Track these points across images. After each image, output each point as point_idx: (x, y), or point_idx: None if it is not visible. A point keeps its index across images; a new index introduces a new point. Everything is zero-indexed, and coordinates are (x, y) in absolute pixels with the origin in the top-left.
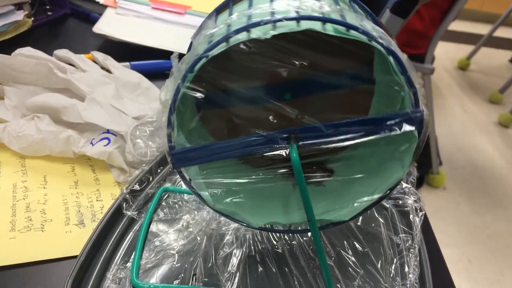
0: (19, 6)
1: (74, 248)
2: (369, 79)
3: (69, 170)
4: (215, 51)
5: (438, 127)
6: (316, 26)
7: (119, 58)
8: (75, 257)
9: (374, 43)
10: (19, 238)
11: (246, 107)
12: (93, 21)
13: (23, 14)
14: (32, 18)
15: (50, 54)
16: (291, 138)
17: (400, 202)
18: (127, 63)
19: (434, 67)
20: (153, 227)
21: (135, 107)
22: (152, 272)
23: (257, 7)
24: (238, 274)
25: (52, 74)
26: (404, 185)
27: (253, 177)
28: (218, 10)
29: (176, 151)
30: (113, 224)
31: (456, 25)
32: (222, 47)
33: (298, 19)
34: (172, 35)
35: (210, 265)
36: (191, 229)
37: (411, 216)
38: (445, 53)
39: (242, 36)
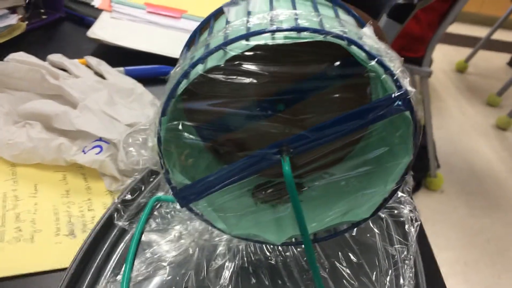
0: (13, 10)
1: (64, 260)
2: (354, 72)
3: (61, 178)
4: (181, 87)
5: (436, 130)
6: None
7: (113, 62)
8: (65, 269)
9: (329, 38)
10: (8, 250)
11: (241, 128)
12: (88, 25)
13: (17, 18)
14: (26, 22)
15: (44, 58)
16: (282, 151)
17: (396, 212)
18: (121, 68)
19: (432, 70)
20: (145, 238)
21: (128, 113)
22: (143, 285)
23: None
24: (230, 287)
25: (44, 81)
26: (400, 194)
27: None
28: (201, 28)
29: (178, 190)
30: (104, 235)
31: (454, 28)
32: (184, 84)
33: (275, 31)
34: (168, 40)
35: (202, 277)
36: (183, 240)
37: (406, 226)
38: (443, 56)
39: (200, 68)
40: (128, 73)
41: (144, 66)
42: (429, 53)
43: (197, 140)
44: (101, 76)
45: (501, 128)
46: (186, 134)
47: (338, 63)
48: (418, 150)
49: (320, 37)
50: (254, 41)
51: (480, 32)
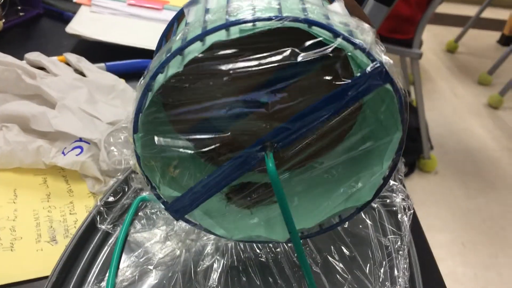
0: None
1: (45, 268)
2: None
3: (41, 182)
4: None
5: (428, 111)
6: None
7: (94, 58)
8: (47, 277)
9: (287, 24)
10: None
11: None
12: (67, 20)
13: None
14: (3, 20)
15: (23, 56)
16: (266, 147)
17: (388, 201)
18: (102, 64)
19: (422, 52)
20: (130, 240)
21: (109, 111)
22: None
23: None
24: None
25: (20, 81)
26: (392, 182)
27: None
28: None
29: (169, 204)
30: (86, 239)
31: (444, 8)
32: (150, 96)
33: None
34: (150, 32)
35: (189, 280)
36: (169, 242)
37: (399, 215)
38: (433, 36)
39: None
40: (110, 69)
41: (126, 61)
42: (419, 34)
43: (177, 151)
44: (81, 73)
45: (493, 107)
46: (165, 145)
47: (307, 44)
48: (410, 132)
49: (277, 24)
50: (209, 41)
51: (469, 10)
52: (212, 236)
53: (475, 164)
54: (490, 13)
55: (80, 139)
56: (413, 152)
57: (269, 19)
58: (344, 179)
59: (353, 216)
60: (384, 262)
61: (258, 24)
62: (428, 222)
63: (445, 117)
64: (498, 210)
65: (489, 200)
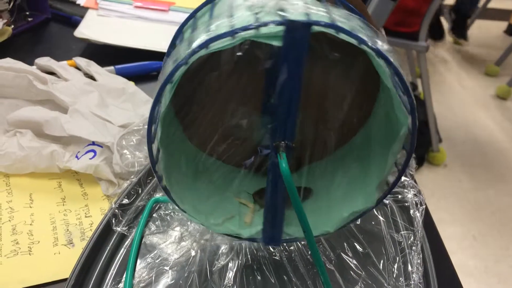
0: None
1: (63, 271)
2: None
3: (56, 186)
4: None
5: (436, 104)
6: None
7: (103, 61)
8: (65, 280)
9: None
10: (6, 264)
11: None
12: (75, 24)
13: (2, 23)
14: (12, 26)
15: (33, 62)
16: (279, 147)
17: (400, 196)
18: (112, 67)
19: (428, 45)
20: (146, 242)
21: (120, 114)
22: None
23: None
24: (235, 287)
25: (32, 86)
26: (403, 178)
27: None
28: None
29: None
30: (103, 242)
31: None
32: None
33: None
34: (157, 34)
35: (205, 279)
36: (184, 242)
37: (411, 211)
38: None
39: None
40: (119, 72)
41: (135, 64)
42: (425, 27)
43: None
44: (91, 77)
45: (501, 97)
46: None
47: None
48: (419, 125)
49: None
50: (214, 47)
51: None
52: (226, 236)
53: (484, 156)
54: (497, 3)
55: (93, 143)
56: (422, 145)
57: (245, 28)
58: (361, 178)
59: (366, 212)
60: (397, 258)
61: (245, 33)
62: (438, 215)
63: (453, 110)
64: (508, 202)
65: (499, 191)
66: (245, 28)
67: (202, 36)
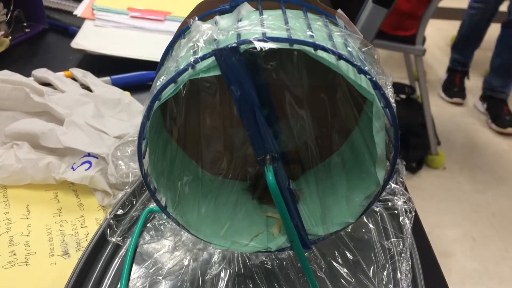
0: None
1: (59, 281)
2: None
3: (52, 197)
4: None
5: (434, 107)
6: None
7: (100, 71)
8: None
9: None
10: (3, 275)
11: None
12: (72, 34)
13: (0, 34)
14: (10, 37)
15: (30, 72)
16: (266, 160)
17: (390, 204)
18: (108, 78)
19: (425, 48)
20: (140, 251)
21: (116, 125)
22: None
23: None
24: None
25: (29, 99)
26: (393, 185)
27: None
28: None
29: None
30: (97, 252)
31: (447, 2)
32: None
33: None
34: (154, 44)
35: None
36: (177, 252)
37: (401, 218)
38: (437, 31)
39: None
40: (115, 82)
41: (131, 74)
42: (422, 30)
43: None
44: (87, 87)
45: None
46: None
47: None
48: (417, 128)
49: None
50: (164, 96)
51: None
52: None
53: (482, 158)
54: None
55: (89, 154)
56: (420, 148)
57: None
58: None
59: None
60: (387, 265)
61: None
62: (438, 218)
63: (451, 112)
64: (508, 204)
65: (498, 194)
66: (182, 71)
67: (158, 83)
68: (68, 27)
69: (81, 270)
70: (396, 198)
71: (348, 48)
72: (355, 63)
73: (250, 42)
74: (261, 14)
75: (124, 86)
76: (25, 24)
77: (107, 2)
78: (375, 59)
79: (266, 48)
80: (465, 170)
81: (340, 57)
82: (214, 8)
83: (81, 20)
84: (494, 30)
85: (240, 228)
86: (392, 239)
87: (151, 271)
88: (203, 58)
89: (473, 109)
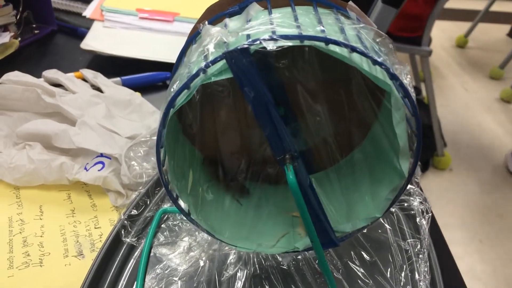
0: (4, 28)
1: (74, 282)
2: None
3: (65, 197)
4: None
5: (440, 108)
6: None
7: (110, 72)
8: None
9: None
10: (18, 276)
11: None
12: (81, 36)
13: (9, 36)
14: (19, 39)
15: (40, 74)
16: (285, 159)
17: (406, 204)
18: (118, 79)
19: (431, 49)
20: (155, 252)
21: (127, 126)
22: None
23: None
24: None
25: (40, 100)
26: (409, 186)
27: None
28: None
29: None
30: (112, 253)
31: (452, 3)
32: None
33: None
34: (163, 44)
35: None
36: (193, 252)
37: (418, 219)
38: (442, 32)
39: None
40: (125, 83)
41: (141, 74)
42: (428, 31)
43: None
44: (98, 88)
45: (506, 101)
46: None
47: None
48: (423, 130)
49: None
50: (179, 103)
51: (478, 4)
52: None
53: (489, 160)
54: (499, 6)
55: (101, 155)
56: (427, 149)
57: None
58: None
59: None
60: (404, 266)
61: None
62: (445, 220)
63: (457, 113)
64: None
65: (505, 195)
66: (194, 76)
67: (171, 90)
68: (77, 29)
69: (96, 271)
70: (412, 198)
71: (361, 40)
72: (369, 54)
73: (260, 42)
74: (270, 13)
75: (134, 86)
76: (34, 25)
77: (116, 3)
78: (390, 48)
79: (276, 47)
80: (472, 171)
81: (353, 49)
82: (224, 11)
83: (90, 21)
84: (494, 31)
85: (265, 230)
86: (409, 240)
87: (166, 272)
88: (214, 62)
89: (479, 110)
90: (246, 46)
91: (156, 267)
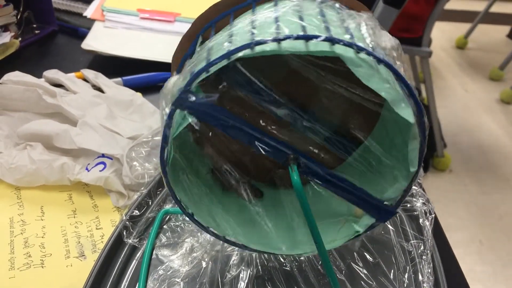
0: (5, 28)
1: (75, 283)
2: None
3: (66, 198)
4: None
5: (440, 109)
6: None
7: (111, 72)
8: None
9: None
10: (19, 277)
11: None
12: (82, 36)
13: (10, 36)
14: (20, 39)
15: (40, 74)
16: (289, 159)
17: (409, 205)
18: (119, 79)
19: (431, 50)
20: (157, 253)
21: (129, 126)
22: None
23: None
24: None
25: (41, 100)
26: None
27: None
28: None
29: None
30: (114, 254)
31: (452, 4)
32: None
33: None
34: (164, 45)
35: None
36: (195, 254)
37: (421, 220)
38: (442, 33)
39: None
40: (126, 83)
41: (142, 75)
42: (428, 32)
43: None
44: (99, 88)
45: (506, 102)
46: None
47: None
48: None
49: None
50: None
51: (478, 6)
52: (236, 247)
53: (489, 161)
54: (499, 7)
55: (103, 155)
56: (427, 150)
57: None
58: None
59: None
60: (408, 268)
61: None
62: (445, 221)
63: (457, 114)
64: None
65: (505, 196)
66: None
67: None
68: (77, 29)
69: (98, 272)
70: (414, 199)
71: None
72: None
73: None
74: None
75: (135, 87)
76: (34, 25)
77: (117, 3)
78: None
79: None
80: (472, 172)
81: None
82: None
83: (90, 21)
84: (494, 32)
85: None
86: (412, 241)
87: (168, 273)
88: (170, 116)
89: (478, 111)
90: (186, 88)
91: (158, 268)
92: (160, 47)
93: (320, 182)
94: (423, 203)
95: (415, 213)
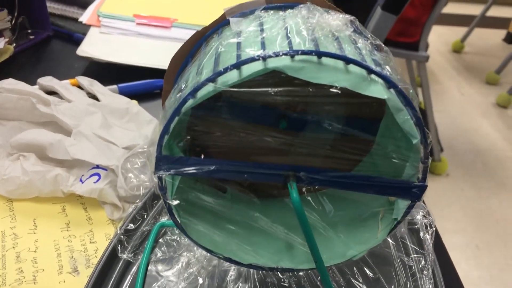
0: None
1: None
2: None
3: (60, 210)
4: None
5: (437, 113)
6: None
7: (106, 79)
8: None
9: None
10: None
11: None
12: (77, 41)
13: (4, 42)
14: (14, 44)
15: (35, 80)
16: (289, 176)
17: (409, 218)
18: (115, 86)
19: (428, 55)
20: (152, 269)
21: (124, 135)
22: None
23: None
24: None
25: (35, 109)
26: None
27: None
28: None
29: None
30: (108, 270)
31: (448, 8)
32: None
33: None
34: (160, 51)
35: None
36: (191, 269)
37: (421, 233)
38: (439, 37)
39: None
40: (122, 91)
41: (138, 82)
42: (425, 37)
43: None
44: (94, 96)
45: (502, 106)
46: None
47: None
48: None
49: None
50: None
51: (474, 10)
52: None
53: (486, 165)
54: (495, 12)
55: (97, 166)
56: None
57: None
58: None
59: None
60: (408, 283)
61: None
62: (441, 225)
63: (453, 118)
64: (510, 210)
65: (502, 200)
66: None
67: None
68: (72, 34)
69: None
70: (414, 211)
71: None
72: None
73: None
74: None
75: (131, 94)
76: (29, 31)
77: (113, 8)
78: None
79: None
80: (468, 176)
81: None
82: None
83: (86, 27)
84: (490, 36)
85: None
86: (413, 256)
87: None
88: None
89: (475, 115)
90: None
91: (154, 284)
92: (157, 53)
93: (328, 186)
94: (424, 216)
95: (416, 226)
